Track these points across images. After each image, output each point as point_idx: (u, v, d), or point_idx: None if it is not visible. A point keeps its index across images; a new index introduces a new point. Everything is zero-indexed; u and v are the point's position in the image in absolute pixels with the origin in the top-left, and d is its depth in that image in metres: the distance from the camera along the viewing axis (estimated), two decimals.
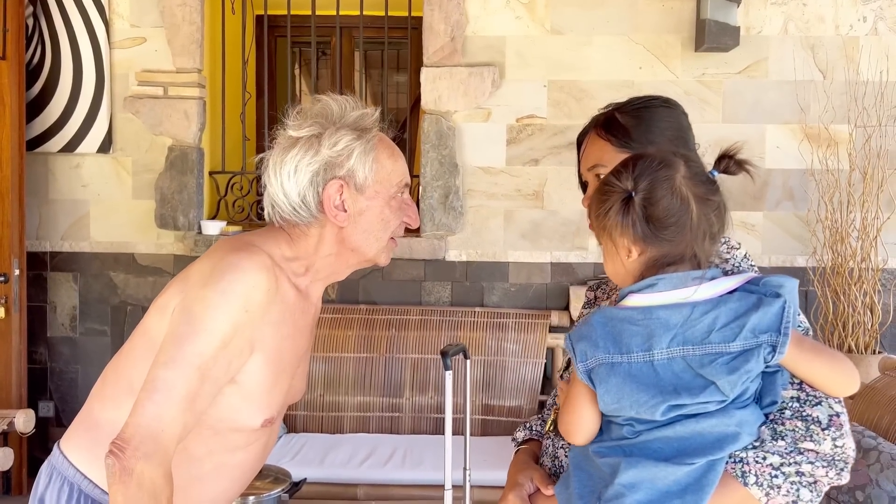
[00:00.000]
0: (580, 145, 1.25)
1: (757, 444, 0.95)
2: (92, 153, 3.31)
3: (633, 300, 0.97)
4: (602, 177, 1.14)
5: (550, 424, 1.20)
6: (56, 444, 1.22)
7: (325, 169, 1.14)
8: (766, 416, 0.96)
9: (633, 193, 0.96)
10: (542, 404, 3.18)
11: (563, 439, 1.12)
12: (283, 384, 1.18)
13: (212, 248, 1.17)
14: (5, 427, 2.55)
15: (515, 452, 1.33)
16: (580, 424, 0.99)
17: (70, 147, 3.30)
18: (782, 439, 0.93)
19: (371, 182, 1.17)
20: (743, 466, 0.94)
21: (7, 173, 3.05)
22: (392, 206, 1.21)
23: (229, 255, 1.10)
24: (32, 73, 3.27)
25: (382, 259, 1.24)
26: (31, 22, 3.24)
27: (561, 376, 1.24)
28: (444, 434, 3.04)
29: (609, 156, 1.16)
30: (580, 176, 1.26)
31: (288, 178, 1.14)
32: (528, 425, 1.35)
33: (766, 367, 0.93)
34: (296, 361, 1.22)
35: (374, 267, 1.23)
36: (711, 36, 3.04)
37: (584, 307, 1.35)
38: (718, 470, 0.92)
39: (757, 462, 0.94)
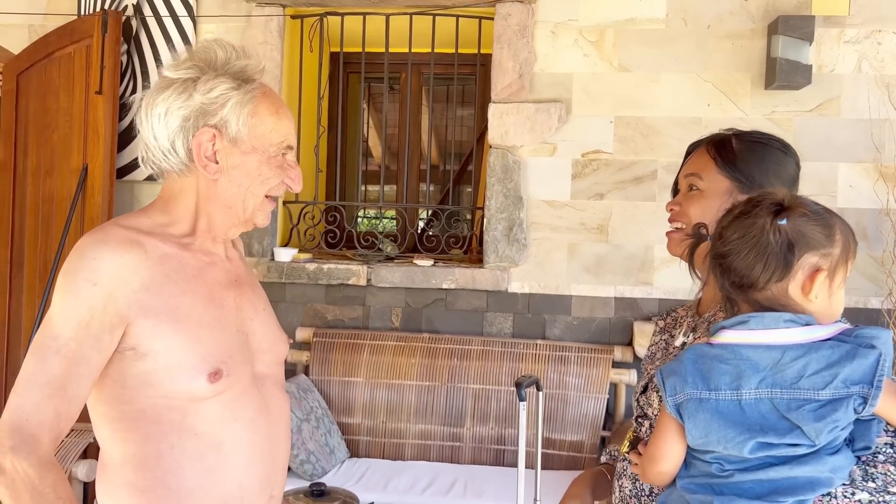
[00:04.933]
0: (689, 154, 1.30)
1: (847, 482, 0.96)
2: None
3: (725, 336, 1.00)
4: (693, 188, 1.22)
5: (627, 446, 1.23)
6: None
7: (196, 115, 1.11)
8: (858, 458, 0.97)
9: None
10: (604, 440, 3.16)
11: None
12: (215, 336, 1.13)
13: None
14: (91, 440, 2.69)
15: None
16: (665, 455, 1.02)
17: (155, 176, 3.48)
18: (873, 481, 0.95)
19: (246, 136, 1.13)
20: (831, 500, 0.96)
21: (98, 200, 3.25)
22: (272, 165, 1.16)
23: (75, 246, 1.09)
24: (124, 107, 3.48)
25: (259, 219, 1.19)
26: (125, 59, 3.47)
27: (625, 453, 1.26)
28: (505, 466, 3.07)
29: (709, 172, 1.21)
30: (676, 182, 1.31)
31: (158, 121, 1.11)
32: (608, 450, 1.41)
33: (860, 416, 0.94)
34: (220, 314, 1.16)
35: (254, 228, 1.20)
36: (782, 74, 3.03)
37: (655, 335, 1.39)
38: None
39: (846, 497, 0.96)
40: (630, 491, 1.23)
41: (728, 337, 0.99)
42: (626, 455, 1.23)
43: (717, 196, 1.19)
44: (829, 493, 0.96)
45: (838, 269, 0.98)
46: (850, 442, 0.96)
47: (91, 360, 1.06)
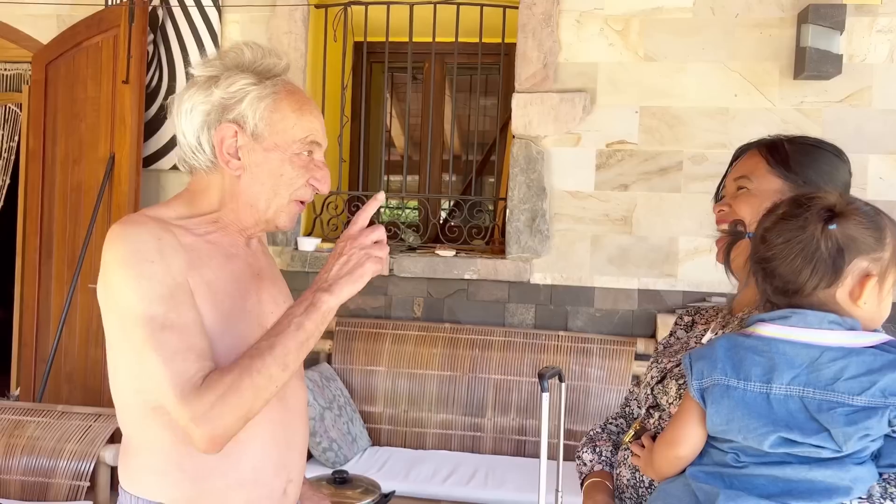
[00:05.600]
0: (735, 160, 1.27)
1: (864, 496, 0.93)
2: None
3: (763, 329, 0.97)
4: (743, 190, 1.18)
5: (631, 436, 1.21)
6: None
7: (217, 110, 1.12)
8: (880, 475, 0.94)
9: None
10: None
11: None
12: (239, 328, 1.13)
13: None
14: (118, 425, 2.73)
15: (584, 480, 1.32)
16: (684, 439, 1.00)
17: (187, 174, 3.51)
18: (891, 500, 0.92)
19: (267, 132, 1.13)
20: None
21: (125, 188, 3.29)
22: (295, 164, 1.15)
23: (107, 241, 1.09)
24: (150, 96, 3.52)
25: (282, 220, 1.18)
26: (151, 49, 3.50)
27: (627, 443, 1.23)
28: (525, 456, 3.07)
29: (759, 172, 1.18)
30: (722, 187, 1.28)
31: (184, 118, 1.14)
32: (596, 447, 1.35)
33: (893, 430, 0.91)
34: (243, 306, 1.17)
35: (277, 230, 1.20)
36: (812, 64, 2.98)
37: (677, 328, 1.36)
38: None
39: None
40: (628, 480, 1.20)
41: (766, 330, 0.96)
42: (628, 444, 1.21)
43: (767, 196, 1.15)
44: None
45: (888, 273, 0.95)
46: (875, 457, 0.93)
47: (196, 320, 1.07)
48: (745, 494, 0.92)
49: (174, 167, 3.52)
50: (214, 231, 1.17)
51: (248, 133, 1.13)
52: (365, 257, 1.08)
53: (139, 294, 1.05)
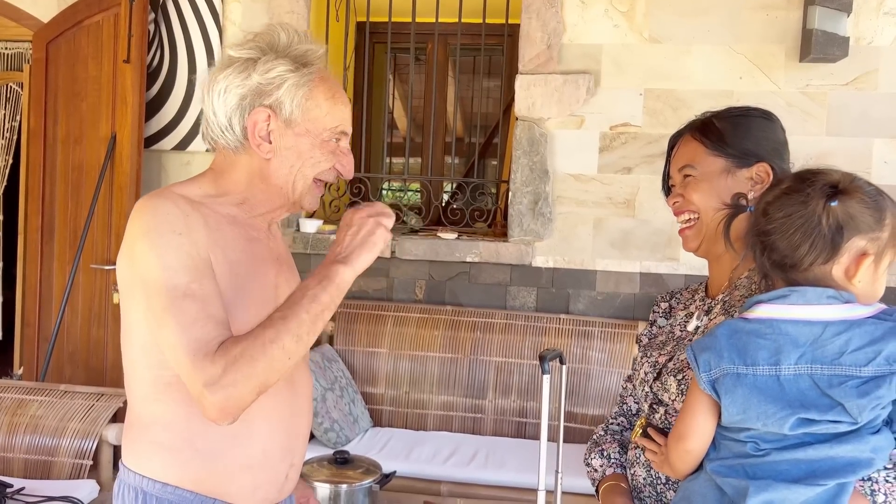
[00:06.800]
0: (672, 148, 1.27)
1: (889, 466, 0.95)
2: (201, 151, 3.51)
3: (762, 310, 0.97)
4: (689, 177, 1.19)
5: (639, 433, 1.20)
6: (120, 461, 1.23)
7: (253, 95, 1.13)
8: None
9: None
10: None
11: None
12: (255, 310, 1.12)
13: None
14: (121, 404, 2.75)
15: (598, 486, 1.31)
16: (694, 432, 1.00)
17: (182, 145, 3.51)
18: None
19: (300, 119, 1.14)
20: (873, 485, 0.95)
21: (126, 168, 3.28)
22: (324, 149, 1.17)
23: (135, 212, 1.10)
24: (151, 76, 3.50)
25: (307, 202, 1.20)
26: (152, 28, 3.47)
27: (635, 441, 1.22)
28: (526, 438, 3.09)
29: (700, 157, 1.19)
30: (667, 178, 1.28)
31: (218, 98, 1.14)
32: (603, 451, 1.34)
33: None
34: (262, 289, 1.18)
35: (301, 211, 1.20)
36: (818, 46, 2.95)
37: (658, 315, 1.36)
38: (849, 490, 0.92)
39: (887, 482, 0.95)
40: (644, 479, 1.19)
41: (765, 311, 0.96)
42: (637, 443, 1.20)
43: (714, 178, 1.17)
44: (870, 479, 0.94)
45: (885, 253, 0.96)
46: (888, 423, 0.94)
47: (217, 293, 1.07)
48: (774, 482, 0.91)
49: (175, 147, 3.51)
50: (239, 213, 1.18)
51: (282, 119, 1.14)
52: (375, 225, 1.11)
53: (164, 263, 1.06)
